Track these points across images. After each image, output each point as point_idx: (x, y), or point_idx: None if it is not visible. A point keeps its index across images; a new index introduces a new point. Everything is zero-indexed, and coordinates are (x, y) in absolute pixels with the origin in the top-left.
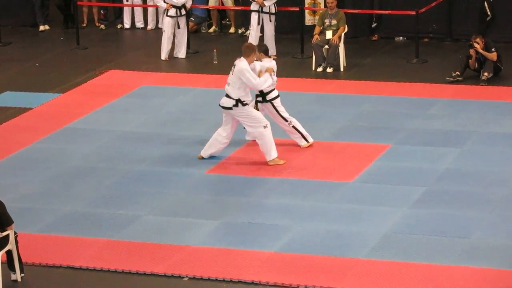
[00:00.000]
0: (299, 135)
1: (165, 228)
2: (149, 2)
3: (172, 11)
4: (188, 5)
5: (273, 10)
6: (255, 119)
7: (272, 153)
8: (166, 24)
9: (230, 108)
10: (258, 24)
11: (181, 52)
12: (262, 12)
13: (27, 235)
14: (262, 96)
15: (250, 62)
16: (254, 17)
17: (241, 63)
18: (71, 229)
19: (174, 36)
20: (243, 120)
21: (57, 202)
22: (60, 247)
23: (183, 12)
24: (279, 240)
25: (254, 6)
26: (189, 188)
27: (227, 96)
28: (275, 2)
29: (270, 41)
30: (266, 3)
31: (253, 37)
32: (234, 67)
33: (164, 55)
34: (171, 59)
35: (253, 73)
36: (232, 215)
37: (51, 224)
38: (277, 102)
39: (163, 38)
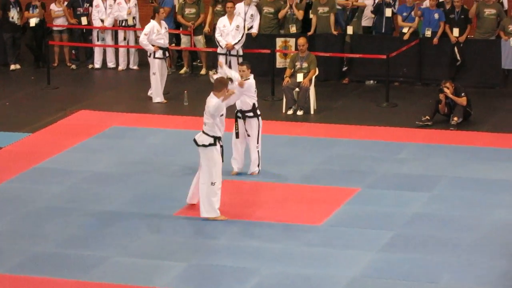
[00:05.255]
0: (258, 162)
1: (133, 270)
2: (120, 43)
3: (159, 53)
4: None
5: (241, 53)
6: (211, 173)
7: (210, 212)
8: (156, 66)
9: (205, 146)
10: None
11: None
12: (230, 55)
13: None
14: (253, 111)
15: (221, 97)
16: (221, 59)
17: (211, 100)
18: (39, 269)
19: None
20: (202, 162)
21: (26, 242)
22: None
23: (167, 54)
24: (247, 283)
25: (220, 50)
26: (157, 230)
27: (204, 133)
28: (242, 44)
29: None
30: (236, 47)
31: None
32: (206, 106)
33: (160, 98)
34: (142, 100)
35: (219, 112)
36: (201, 257)
37: (19, 264)
38: (260, 122)
39: (154, 80)
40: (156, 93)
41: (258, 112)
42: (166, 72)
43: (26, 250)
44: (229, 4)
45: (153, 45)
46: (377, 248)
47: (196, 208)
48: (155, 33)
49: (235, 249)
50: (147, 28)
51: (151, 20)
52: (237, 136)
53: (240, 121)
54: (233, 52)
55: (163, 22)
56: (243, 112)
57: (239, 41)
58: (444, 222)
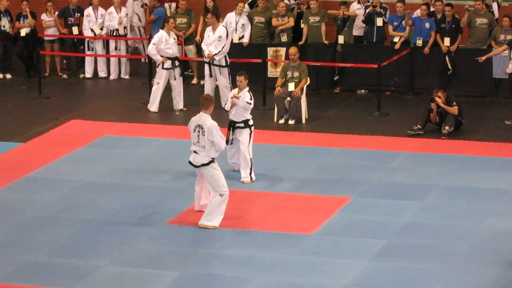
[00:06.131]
0: (249, 170)
1: (125, 279)
2: (112, 53)
3: (167, 64)
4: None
5: (223, 63)
6: (218, 184)
7: (214, 221)
8: (162, 76)
9: (205, 165)
10: (210, 76)
11: (181, 103)
12: (213, 64)
13: None
14: (244, 122)
15: (209, 114)
16: (206, 68)
17: (208, 121)
18: (31, 279)
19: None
20: (206, 179)
21: (17, 251)
22: None
23: (177, 63)
24: None
25: (205, 59)
26: (149, 239)
27: (198, 154)
28: (226, 55)
29: (223, 93)
30: (216, 57)
31: (207, 88)
32: (198, 127)
33: (155, 108)
34: (134, 110)
35: (220, 132)
36: (192, 267)
37: (11, 273)
38: (252, 131)
39: (155, 90)
40: (153, 102)
41: (251, 123)
42: (178, 82)
43: (18, 259)
44: (208, 15)
45: (161, 56)
46: (369, 256)
47: (188, 217)
48: (164, 42)
49: (227, 258)
50: (156, 37)
51: (160, 30)
52: (228, 143)
53: (231, 130)
54: (215, 62)
55: (172, 33)
56: (234, 122)
57: (219, 51)
58: (436, 231)
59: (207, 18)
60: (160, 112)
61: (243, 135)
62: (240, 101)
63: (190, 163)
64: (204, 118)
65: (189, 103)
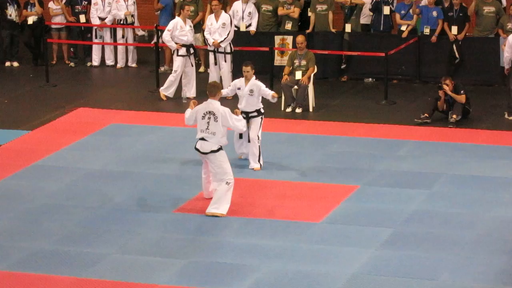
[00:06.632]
0: (258, 156)
1: (132, 267)
2: (119, 41)
3: (182, 51)
4: (194, 43)
5: (228, 50)
6: (225, 172)
7: (221, 208)
8: (179, 63)
9: (215, 151)
10: (215, 64)
11: (191, 92)
12: (218, 52)
13: None
14: (257, 111)
15: (217, 100)
16: (210, 56)
17: (219, 107)
18: (38, 266)
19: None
20: (213, 166)
21: (25, 239)
22: (27, 285)
23: (191, 50)
24: (246, 280)
25: (209, 47)
26: (157, 227)
27: (206, 141)
28: (230, 42)
29: (226, 80)
30: (222, 45)
31: (212, 76)
32: (209, 114)
33: (170, 93)
34: (141, 98)
35: (234, 115)
36: (200, 255)
37: (18, 261)
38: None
39: (172, 77)
40: (169, 87)
41: (262, 111)
42: (192, 70)
43: (25, 247)
44: (214, 2)
45: (176, 43)
46: (376, 245)
47: (195, 205)
48: (178, 29)
49: (234, 246)
50: (171, 24)
51: (176, 16)
52: (240, 136)
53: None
54: (220, 49)
55: (188, 20)
56: (246, 112)
57: (225, 38)
58: (443, 220)
59: (213, 5)
60: (168, 100)
61: (254, 123)
62: (267, 94)
63: (197, 150)
64: (214, 105)
65: (197, 91)
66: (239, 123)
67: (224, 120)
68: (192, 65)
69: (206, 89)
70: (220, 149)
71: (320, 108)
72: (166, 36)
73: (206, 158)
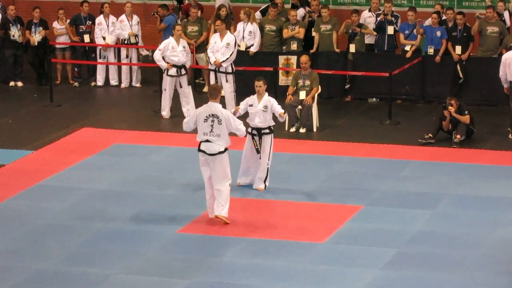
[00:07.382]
0: (265, 178)
1: (136, 287)
2: (123, 61)
3: (172, 71)
4: (188, 65)
5: (229, 70)
6: (226, 174)
7: (225, 208)
8: (167, 83)
9: (222, 152)
10: (216, 82)
11: (191, 111)
12: (219, 71)
13: None
14: (269, 128)
15: (218, 103)
16: (211, 75)
17: (222, 110)
18: (42, 287)
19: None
20: (218, 168)
21: (28, 259)
22: None
23: (183, 71)
24: None
25: (210, 66)
26: (160, 247)
27: (212, 143)
28: (232, 62)
29: (229, 100)
30: (223, 64)
31: None
32: (212, 117)
33: (166, 114)
34: (144, 118)
35: (235, 118)
36: (203, 275)
37: (22, 281)
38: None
39: (163, 97)
40: (164, 108)
41: (273, 128)
42: (188, 89)
43: (29, 267)
44: (218, 22)
45: (168, 63)
46: (380, 265)
47: (199, 226)
48: (170, 49)
49: (238, 266)
50: (163, 44)
51: (170, 37)
52: (258, 152)
53: (256, 138)
54: (221, 69)
55: (182, 40)
56: (259, 129)
57: (227, 58)
58: (447, 240)
59: (217, 25)
60: (171, 119)
61: (266, 143)
62: (276, 111)
63: (203, 151)
64: (216, 107)
65: None
66: (241, 125)
67: (227, 123)
68: (189, 84)
69: (207, 91)
70: (226, 149)
71: (324, 128)
72: (156, 55)
73: (210, 161)
